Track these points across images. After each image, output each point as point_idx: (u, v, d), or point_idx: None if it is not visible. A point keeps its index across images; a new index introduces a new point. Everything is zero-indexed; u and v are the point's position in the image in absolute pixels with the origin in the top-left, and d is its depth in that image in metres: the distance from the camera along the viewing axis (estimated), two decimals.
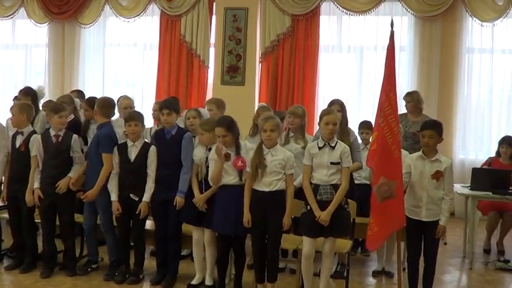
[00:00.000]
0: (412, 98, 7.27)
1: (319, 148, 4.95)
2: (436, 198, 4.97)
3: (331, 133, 4.96)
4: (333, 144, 4.95)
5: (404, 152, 5.24)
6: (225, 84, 9.54)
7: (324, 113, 5.08)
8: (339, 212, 4.89)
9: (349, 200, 5.33)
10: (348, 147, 5.06)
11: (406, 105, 7.30)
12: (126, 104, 6.81)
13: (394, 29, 4.87)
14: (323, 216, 4.82)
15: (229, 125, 5.16)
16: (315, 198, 4.89)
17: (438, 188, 4.97)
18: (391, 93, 4.73)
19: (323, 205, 4.86)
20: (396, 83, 4.83)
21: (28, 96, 6.73)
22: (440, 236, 5.03)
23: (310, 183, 4.95)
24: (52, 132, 5.69)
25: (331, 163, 4.90)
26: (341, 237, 5.09)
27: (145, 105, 10.10)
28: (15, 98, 7.96)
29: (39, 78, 10.90)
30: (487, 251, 7.00)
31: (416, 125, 6.69)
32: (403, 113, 7.14)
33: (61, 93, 10.24)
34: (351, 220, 5.23)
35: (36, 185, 5.61)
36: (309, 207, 4.92)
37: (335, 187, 4.90)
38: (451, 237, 7.15)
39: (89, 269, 5.81)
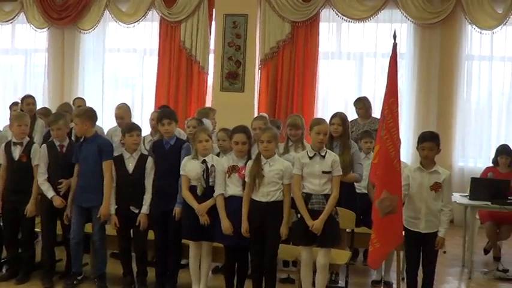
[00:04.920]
0: (364, 104, 7.47)
1: (310, 158, 4.98)
2: (435, 209, 4.98)
3: (322, 143, 5.00)
4: (323, 154, 4.98)
5: (402, 164, 5.25)
6: (225, 91, 9.54)
7: (315, 123, 5.11)
8: (329, 221, 4.90)
9: (348, 210, 5.37)
10: (338, 157, 5.10)
11: (357, 111, 7.47)
12: (117, 114, 6.67)
13: (396, 40, 4.86)
14: (316, 224, 4.84)
15: (250, 134, 5.23)
16: (306, 207, 4.92)
17: (437, 200, 4.98)
18: (394, 106, 4.73)
19: (314, 214, 4.89)
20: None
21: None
22: (439, 248, 5.05)
23: (302, 192, 4.97)
24: (56, 143, 5.67)
25: (323, 172, 4.94)
26: (332, 247, 5.08)
27: (145, 110, 10.12)
28: (14, 104, 7.98)
29: (38, 83, 10.89)
30: (497, 259, 7.01)
31: (368, 125, 7.15)
32: (353, 120, 7.29)
33: (60, 98, 10.31)
34: (340, 230, 5.18)
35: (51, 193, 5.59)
36: (299, 215, 4.95)
37: (327, 197, 4.93)
38: (450, 245, 7.13)
39: (75, 282, 5.68)
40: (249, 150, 5.21)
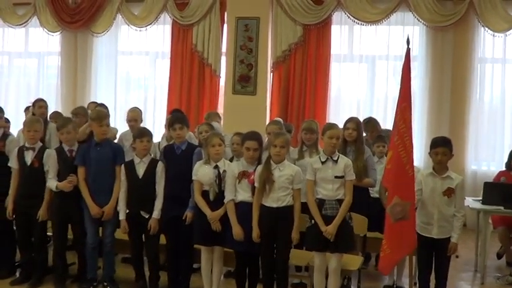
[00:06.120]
0: (374, 125, 7.01)
1: (322, 163, 4.97)
2: (447, 215, 4.96)
3: (334, 147, 5.00)
4: (336, 158, 4.98)
5: (415, 168, 5.23)
6: (237, 94, 9.53)
7: (328, 127, 5.12)
8: (343, 226, 4.89)
9: (360, 215, 5.35)
10: (351, 161, 5.09)
11: (369, 134, 6.78)
12: (131, 116, 6.74)
13: (409, 45, 4.82)
14: (329, 229, 4.83)
15: (261, 141, 5.23)
16: (320, 212, 4.91)
17: (450, 205, 4.96)
18: (406, 111, 4.71)
19: (328, 220, 4.88)
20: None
21: None
22: (452, 253, 5.03)
23: (315, 198, 4.96)
24: (66, 147, 5.65)
25: (336, 177, 4.93)
26: (346, 252, 5.08)
27: (157, 113, 10.18)
28: (27, 109, 8.03)
29: (52, 85, 10.99)
30: (510, 264, 6.95)
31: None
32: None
33: (73, 101, 10.39)
34: (354, 235, 5.18)
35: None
36: (313, 221, 4.94)
37: (340, 202, 4.92)
38: (462, 250, 7.07)
39: (91, 287, 5.70)
40: (259, 156, 5.21)
